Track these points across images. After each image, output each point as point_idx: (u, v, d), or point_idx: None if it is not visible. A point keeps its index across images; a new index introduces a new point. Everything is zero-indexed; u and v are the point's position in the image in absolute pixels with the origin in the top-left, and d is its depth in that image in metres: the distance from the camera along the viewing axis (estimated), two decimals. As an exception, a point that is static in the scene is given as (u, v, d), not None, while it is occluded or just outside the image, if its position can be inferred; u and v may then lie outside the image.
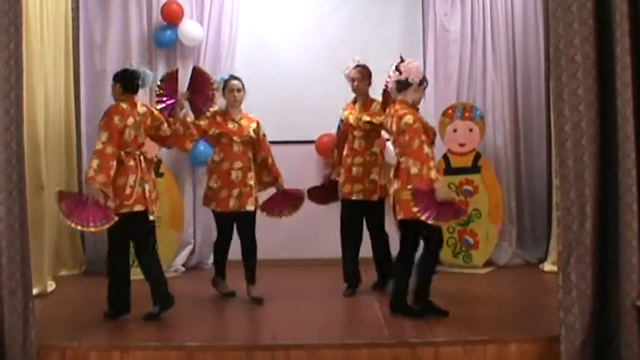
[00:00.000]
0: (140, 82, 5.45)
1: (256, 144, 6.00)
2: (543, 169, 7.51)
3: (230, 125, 5.91)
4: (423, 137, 5.14)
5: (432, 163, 5.10)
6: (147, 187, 5.34)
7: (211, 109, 5.95)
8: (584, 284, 4.39)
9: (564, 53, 4.35)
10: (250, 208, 5.88)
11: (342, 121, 6.24)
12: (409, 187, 5.08)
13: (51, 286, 6.32)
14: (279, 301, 5.90)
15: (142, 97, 6.87)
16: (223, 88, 5.98)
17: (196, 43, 7.41)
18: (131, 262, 5.54)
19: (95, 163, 5.13)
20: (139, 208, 5.30)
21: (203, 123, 5.89)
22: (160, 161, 7.18)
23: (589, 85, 4.34)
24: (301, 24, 7.68)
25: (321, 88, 7.07)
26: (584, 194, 4.35)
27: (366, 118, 6.02)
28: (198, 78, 5.95)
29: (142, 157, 5.37)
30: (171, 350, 4.68)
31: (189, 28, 7.35)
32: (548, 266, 6.91)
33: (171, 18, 7.32)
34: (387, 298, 5.48)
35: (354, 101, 6.18)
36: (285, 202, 6.15)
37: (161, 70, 7.20)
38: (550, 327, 4.66)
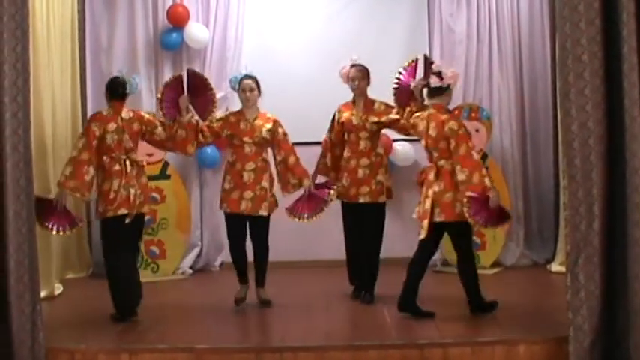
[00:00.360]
0: (125, 90, 5.48)
1: (273, 144, 5.85)
2: (550, 170, 7.49)
3: (242, 126, 5.80)
4: (471, 144, 5.17)
5: (484, 170, 5.14)
6: (132, 191, 5.35)
7: (215, 110, 5.91)
8: (592, 284, 4.38)
9: (571, 53, 4.34)
10: (263, 213, 5.73)
11: (339, 123, 6.07)
12: (467, 194, 5.06)
13: (58, 288, 6.34)
14: (288, 303, 5.89)
15: (150, 102, 6.97)
16: (238, 88, 5.89)
17: (202, 46, 7.41)
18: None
19: (68, 170, 5.26)
20: (122, 212, 5.33)
21: (216, 125, 5.81)
22: (166, 164, 7.20)
23: (596, 85, 4.33)
24: (305, 26, 7.66)
25: (327, 88, 7.03)
26: (592, 194, 4.34)
27: (374, 119, 5.96)
28: (196, 81, 5.84)
29: (127, 162, 5.39)
30: (179, 352, 4.68)
31: (195, 31, 7.35)
32: (555, 267, 6.90)
33: (177, 21, 7.33)
34: (395, 299, 5.46)
35: (353, 102, 6.07)
36: (308, 204, 5.85)
37: (167, 73, 7.22)
38: (558, 328, 4.65)
